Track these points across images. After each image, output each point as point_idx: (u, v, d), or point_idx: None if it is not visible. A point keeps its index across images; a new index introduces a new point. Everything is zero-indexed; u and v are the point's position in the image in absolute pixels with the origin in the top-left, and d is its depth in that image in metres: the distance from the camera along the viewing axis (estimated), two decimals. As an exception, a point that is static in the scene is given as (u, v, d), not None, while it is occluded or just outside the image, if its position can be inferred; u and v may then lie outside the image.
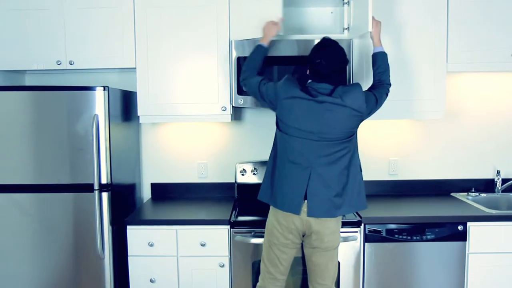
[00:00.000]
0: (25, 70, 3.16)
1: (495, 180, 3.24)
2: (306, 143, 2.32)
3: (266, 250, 2.48)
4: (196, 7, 2.89)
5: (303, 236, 2.42)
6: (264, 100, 2.48)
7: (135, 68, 2.95)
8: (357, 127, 2.39)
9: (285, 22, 3.15)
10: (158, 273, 2.75)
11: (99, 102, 2.62)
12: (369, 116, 2.45)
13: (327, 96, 2.30)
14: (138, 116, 2.97)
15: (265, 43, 2.66)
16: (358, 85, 2.37)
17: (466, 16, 2.89)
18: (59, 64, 2.94)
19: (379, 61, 2.59)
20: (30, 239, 2.70)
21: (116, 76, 3.29)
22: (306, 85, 2.36)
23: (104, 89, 2.63)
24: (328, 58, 2.32)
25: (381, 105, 2.50)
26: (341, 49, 2.36)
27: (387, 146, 3.32)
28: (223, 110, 2.93)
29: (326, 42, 2.39)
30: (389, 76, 2.59)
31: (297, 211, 2.33)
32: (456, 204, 2.99)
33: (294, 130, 2.33)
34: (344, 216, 2.73)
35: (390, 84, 2.57)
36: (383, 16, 2.86)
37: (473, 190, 3.23)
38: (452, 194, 3.27)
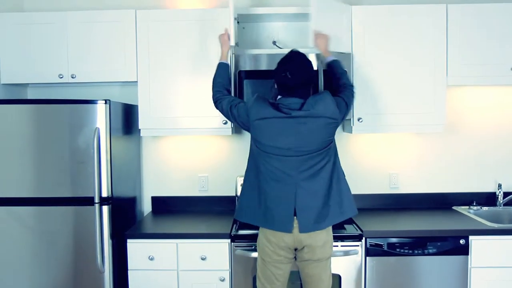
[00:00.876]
0: (28, 84, 3.18)
1: (497, 194, 3.23)
2: (286, 160, 2.31)
3: (260, 268, 2.45)
4: (198, 21, 2.91)
5: (295, 250, 2.40)
6: (236, 122, 2.45)
7: (136, 81, 2.97)
8: (334, 134, 2.39)
9: (283, 36, 3.18)
10: (158, 287, 2.73)
11: (100, 116, 2.63)
12: (343, 121, 2.44)
13: (298, 110, 2.29)
14: (139, 129, 2.98)
15: (224, 60, 2.64)
16: (326, 92, 2.37)
17: (466, 30, 2.90)
18: (61, 78, 2.96)
19: (335, 68, 2.58)
20: (30, 252, 2.68)
21: (118, 90, 3.31)
22: (276, 102, 2.34)
23: (105, 103, 2.64)
24: (293, 71, 2.29)
25: (350, 108, 2.50)
26: (308, 61, 2.34)
27: (387, 160, 3.32)
28: (224, 124, 2.93)
29: (293, 55, 2.37)
30: (348, 78, 2.59)
31: (289, 230, 2.31)
32: (457, 217, 2.98)
33: (272, 149, 2.32)
34: (345, 228, 2.72)
35: (352, 86, 2.56)
36: (383, 31, 2.89)
37: (474, 204, 3.22)
38: (454, 207, 3.26)
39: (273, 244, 2.36)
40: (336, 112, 2.33)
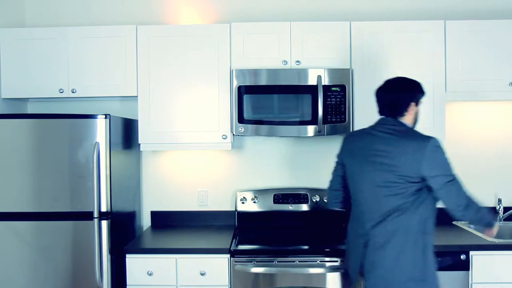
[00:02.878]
0: (28, 98, 3.19)
1: (497, 209, 3.22)
2: None
3: None
4: (198, 36, 2.94)
5: None
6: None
7: (136, 96, 2.98)
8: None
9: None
10: (157, 303, 2.71)
11: (100, 130, 2.64)
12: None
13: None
14: (139, 144, 2.99)
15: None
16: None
17: (464, 46, 2.93)
18: (61, 92, 2.97)
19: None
20: (28, 268, 2.66)
21: (118, 104, 3.32)
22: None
23: (105, 117, 2.65)
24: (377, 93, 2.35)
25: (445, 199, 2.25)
26: (396, 85, 2.31)
27: (387, 174, 3.31)
28: (223, 138, 2.94)
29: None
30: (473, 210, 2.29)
31: None
32: (458, 232, 2.97)
33: None
34: (344, 243, 2.70)
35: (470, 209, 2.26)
36: (381, 47, 2.91)
37: (475, 219, 3.21)
38: (454, 222, 3.24)
39: None
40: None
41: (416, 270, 2.15)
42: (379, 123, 2.31)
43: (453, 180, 2.16)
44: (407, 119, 2.28)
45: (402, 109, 2.26)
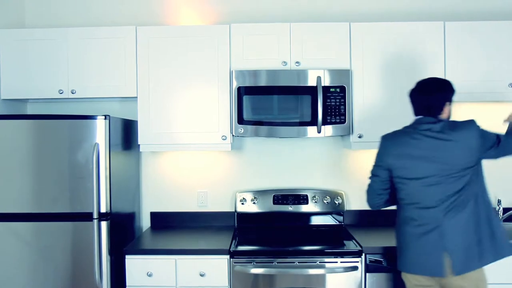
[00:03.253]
0: (27, 99, 3.19)
1: (496, 209, 3.22)
2: None
3: None
4: (198, 37, 2.94)
5: None
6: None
7: (136, 97, 2.98)
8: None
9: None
10: (157, 304, 2.71)
11: (100, 131, 2.64)
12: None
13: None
14: (139, 145, 2.99)
15: None
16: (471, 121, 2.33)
17: (463, 47, 2.93)
18: (61, 93, 2.97)
19: None
20: (28, 268, 2.66)
21: (117, 105, 3.32)
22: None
23: (105, 118, 2.65)
24: (414, 95, 2.39)
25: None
26: (431, 86, 2.36)
27: (387, 175, 3.31)
28: (223, 139, 2.94)
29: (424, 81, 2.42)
30: None
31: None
32: (457, 233, 2.96)
33: None
34: (344, 244, 2.70)
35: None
36: (381, 48, 2.91)
37: (474, 220, 3.21)
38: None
39: None
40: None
41: (486, 236, 2.27)
42: (418, 122, 2.35)
43: (500, 140, 2.32)
44: (442, 117, 2.35)
45: (438, 110, 2.34)
